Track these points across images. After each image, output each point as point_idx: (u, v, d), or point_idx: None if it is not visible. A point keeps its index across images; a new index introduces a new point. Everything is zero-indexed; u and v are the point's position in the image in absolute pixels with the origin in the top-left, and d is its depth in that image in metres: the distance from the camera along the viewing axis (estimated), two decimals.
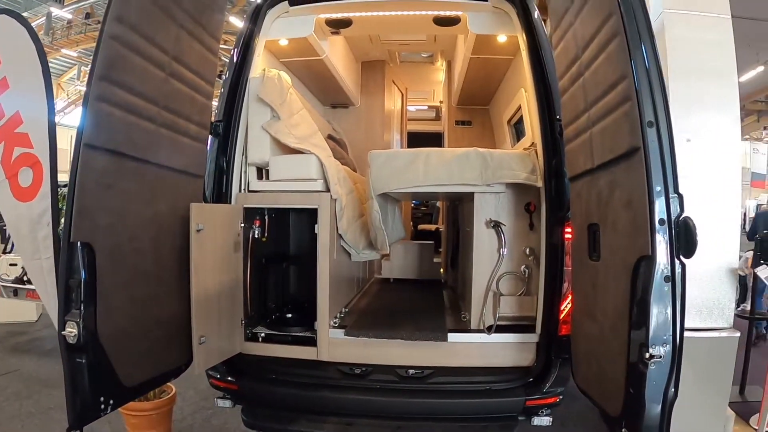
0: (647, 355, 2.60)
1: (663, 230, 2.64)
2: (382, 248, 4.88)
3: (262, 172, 4.63)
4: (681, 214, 2.67)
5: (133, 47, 3.14)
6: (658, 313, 2.65)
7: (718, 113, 3.87)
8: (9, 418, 5.71)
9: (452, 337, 4.27)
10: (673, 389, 2.67)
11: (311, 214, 4.39)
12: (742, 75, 21.06)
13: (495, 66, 6.17)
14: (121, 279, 3.16)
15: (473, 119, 8.30)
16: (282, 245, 5.19)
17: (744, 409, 5.62)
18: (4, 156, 3.91)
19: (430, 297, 6.01)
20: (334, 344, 4.31)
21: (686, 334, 3.52)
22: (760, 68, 20.54)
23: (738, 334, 4.00)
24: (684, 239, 2.65)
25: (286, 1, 4.76)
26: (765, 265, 5.10)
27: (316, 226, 4.31)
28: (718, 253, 3.86)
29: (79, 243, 2.87)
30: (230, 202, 4.38)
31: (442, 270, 7.42)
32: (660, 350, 2.61)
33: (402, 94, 9.39)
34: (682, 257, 2.66)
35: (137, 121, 3.23)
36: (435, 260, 7.41)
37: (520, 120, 5.77)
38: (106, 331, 3.01)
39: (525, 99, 5.14)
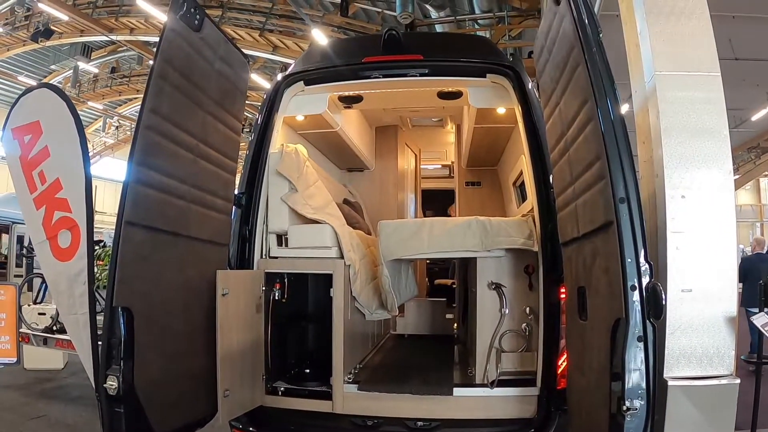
0: (624, 407, 2.87)
1: (634, 295, 2.94)
2: (392, 310, 5.27)
3: (281, 239, 5.03)
4: (650, 281, 2.97)
5: (165, 134, 3.59)
6: (633, 369, 2.92)
7: (710, 168, 4.01)
8: None
9: (457, 391, 4.53)
10: None
11: (327, 278, 4.73)
12: (753, 114, 21.33)
13: (498, 134, 6.56)
14: (155, 338, 3.54)
15: (483, 180, 8.63)
16: (301, 306, 5.49)
17: None
18: (45, 218, 4.14)
19: (441, 352, 6.27)
20: (348, 398, 4.58)
21: (686, 383, 3.86)
22: None
23: (738, 381, 4.04)
24: (653, 303, 2.95)
25: (302, 81, 5.20)
26: (763, 313, 5.30)
27: (331, 289, 4.66)
28: (716, 302, 3.95)
29: (120, 308, 3.28)
30: (252, 268, 4.77)
31: (455, 325, 7.61)
32: (636, 403, 2.88)
33: (415, 155, 9.72)
34: (651, 319, 2.96)
35: (169, 199, 3.66)
36: (448, 316, 7.67)
37: (524, 183, 6.08)
38: (141, 384, 3.37)
39: (525, 165, 5.38)
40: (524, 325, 4.70)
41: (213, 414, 4.06)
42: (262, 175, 4.91)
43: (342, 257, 4.79)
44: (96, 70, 31.45)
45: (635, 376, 2.93)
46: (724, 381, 4.01)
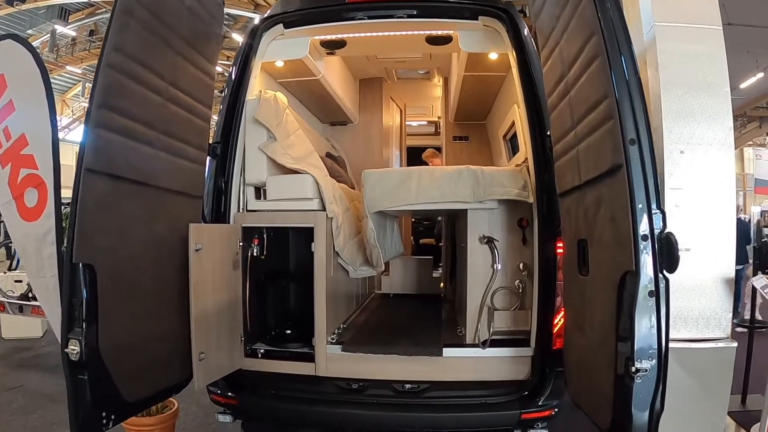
0: (633, 369, 2.64)
1: (646, 246, 2.69)
2: (378, 265, 4.99)
3: (260, 191, 4.73)
4: (664, 230, 2.73)
5: (130, 75, 3.24)
6: (643, 328, 2.69)
7: (711, 124, 3.86)
8: (15, 430, 5.81)
9: (447, 351, 4.33)
10: (659, 403, 2.73)
11: (308, 233, 4.47)
12: (742, 82, 21.13)
13: (489, 83, 6.26)
14: (121, 298, 3.25)
15: (470, 134, 8.37)
16: (280, 263, 5.24)
17: (745, 419, 5.70)
18: (11, 177, 3.97)
19: (428, 312, 6.05)
20: (332, 360, 4.37)
21: (683, 345, 3.70)
22: (760, 75, 20.49)
23: (735, 344, 3.97)
24: (667, 254, 2.71)
25: (281, 24, 4.85)
26: (763, 276, 5.10)
27: (313, 244, 4.40)
28: (714, 263, 3.83)
29: (81, 264, 2.97)
30: (229, 222, 4.47)
31: (441, 284, 7.46)
32: (646, 364, 2.65)
33: (401, 110, 9.44)
34: (665, 272, 2.72)
35: (136, 145, 3.33)
36: (434, 275, 7.47)
37: (515, 135, 5.87)
38: (107, 348, 3.09)
39: (518, 115, 5.18)
40: (517, 281, 4.50)
41: (188, 379, 3.81)
42: (239, 124, 4.59)
43: (324, 209, 4.50)
44: (74, 34, 30.44)
45: (646, 335, 2.70)
46: (721, 344, 3.90)
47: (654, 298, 2.70)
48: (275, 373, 4.44)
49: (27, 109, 3.93)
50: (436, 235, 9.83)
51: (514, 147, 6.29)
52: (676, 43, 3.93)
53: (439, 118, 9.58)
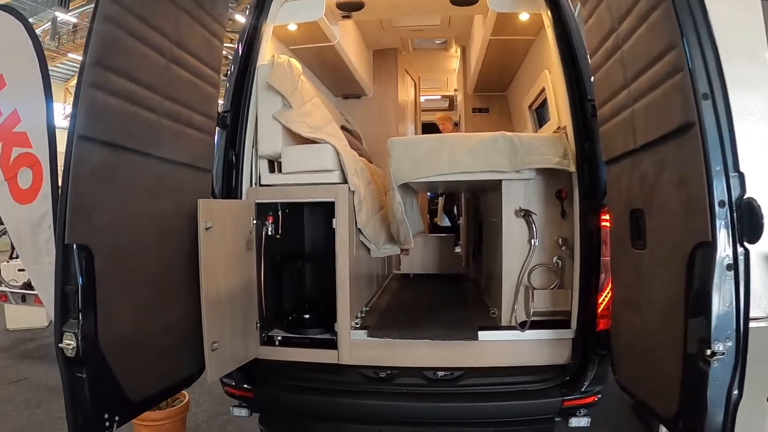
0: (709, 352, 2.31)
1: (723, 213, 2.34)
2: (406, 242, 4.58)
3: (274, 164, 4.36)
4: (743, 195, 2.36)
5: (129, 30, 2.85)
6: (720, 306, 2.35)
7: (748, 91, 3.51)
8: (18, 427, 5.52)
9: (482, 335, 4.00)
10: (737, 390, 2.41)
11: (328, 208, 4.12)
12: None
13: (515, 48, 5.83)
14: (123, 283, 2.89)
15: (491, 106, 7.92)
16: (297, 242, 4.92)
17: None
18: (3, 157, 3.73)
19: (454, 292, 5.75)
20: (356, 346, 4.05)
21: None
22: None
23: None
24: (748, 222, 2.34)
25: None
26: None
27: (334, 220, 4.03)
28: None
29: (75, 245, 2.60)
30: (241, 198, 4.11)
31: (463, 263, 7.11)
32: (723, 346, 2.33)
33: (415, 84, 9.04)
34: (745, 243, 2.36)
35: (136, 110, 2.95)
36: (456, 252, 7.13)
37: (543, 104, 5.47)
38: (108, 341, 2.73)
39: (549, 80, 4.82)
40: (556, 258, 4.15)
41: (200, 370, 3.50)
42: (250, 91, 4.22)
43: (345, 182, 4.13)
44: (75, 20, 29.92)
45: (723, 314, 2.35)
46: (762, 323, 3.51)
47: (732, 272, 2.34)
48: (294, 362, 4.11)
49: (19, 83, 3.69)
50: (448, 212, 9.49)
51: (540, 117, 5.89)
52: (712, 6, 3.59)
53: (455, 90, 9.19)
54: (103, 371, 2.72)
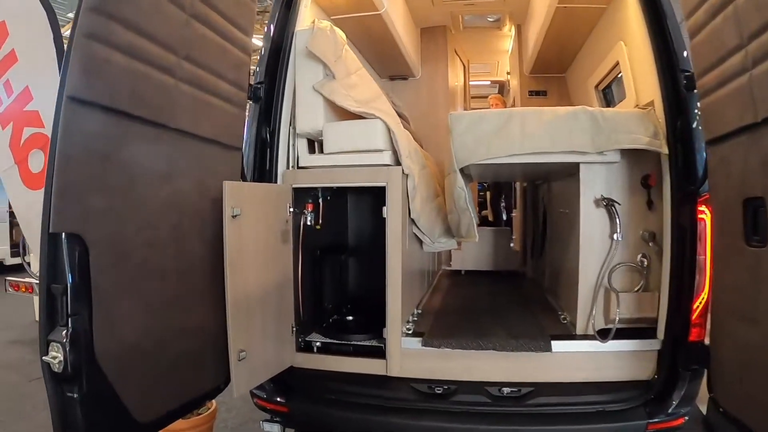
0: None
1: None
2: (468, 234, 3.92)
3: (313, 144, 3.81)
4: None
5: None
6: None
7: None
8: (36, 426, 5.15)
9: (556, 345, 3.42)
10: None
11: (377, 195, 3.55)
12: None
13: (581, 20, 5.21)
14: (127, 281, 2.35)
15: (548, 89, 7.32)
16: (339, 234, 4.44)
17: None
18: (13, 138, 3.47)
19: (513, 293, 5.17)
20: (408, 356, 3.49)
21: None
22: None
23: None
24: None
25: None
26: None
27: (385, 208, 3.45)
28: None
29: (63, 235, 2.06)
30: (275, 181, 3.56)
31: (519, 260, 6.53)
32: None
33: (464, 67, 8.45)
34: None
35: (147, 70, 2.40)
36: (512, 247, 6.52)
37: (614, 82, 4.98)
38: (107, 353, 2.21)
39: (625, 53, 4.24)
40: (640, 256, 3.54)
41: (226, 382, 3.00)
42: (287, 60, 3.67)
43: (398, 164, 3.54)
44: None
45: None
46: None
47: None
48: (335, 372, 3.57)
49: (31, 58, 3.43)
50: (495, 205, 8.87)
51: (608, 99, 5.35)
52: None
53: (508, 74, 8.58)
54: (100, 389, 2.21)
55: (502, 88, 9.79)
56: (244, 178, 3.34)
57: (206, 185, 2.80)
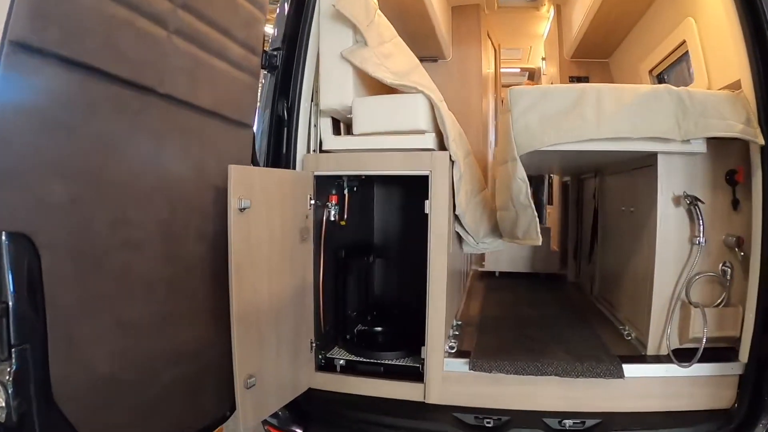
0: None
1: None
2: (528, 236, 3.12)
3: (339, 125, 3.20)
4: None
5: None
6: None
7: None
8: None
9: (627, 369, 2.81)
10: None
11: (415, 186, 2.94)
12: None
13: None
14: (98, 295, 1.76)
15: (591, 75, 6.69)
16: (365, 231, 3.85)
17: None
18: None
19: (560, 301, 4.54)
20: (451, 380, 2.90)
21: None
22: None
23: None
24: None
25: None
26: None
27: (427, 202, 2.83)
28: None
29: (3, 235, 1.47)
30: (293, 167, 2.97)
31: (559, 262, 5.90)
32: None
33: (495, 51, 7.80)
34: None
35: (130, 15, 1.81)
36: (553, 248, 5.91)
37: (675, 65, 4.42)
38: (71, 392, 1.64)
39: (695, 31, 3.68)
40: (722, 264, 2.94)
41: (232, 409, 2.40)
42: (310, 23, 3.05)
43: (444, 149, 2.92)
44: None
45: None
46: None
47: None
48: (361, 396, 2.97)
49: None
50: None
51: (663, 82, 4.69)
52: None
53: (543, 59, 7.97)
54: None
55: (532, 76, 9.27)
56: (255, 164, 2.76)
57: (206, 170, 2.23)
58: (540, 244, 2.89)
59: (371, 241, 3.94)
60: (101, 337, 1.76)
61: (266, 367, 2.44)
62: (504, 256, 5.61)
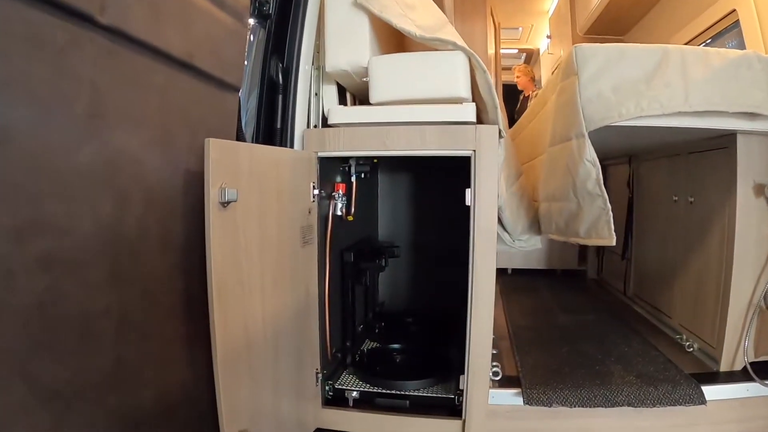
0: None
1: None
2: (597, 234, 2.34)
3: (346, 94, 2.53)
4: None
5: None
6: None
7: None
8: None
9: (705, 391, 2.28)
10: None
11: (447, 170, 2.36)
12: None
13: None
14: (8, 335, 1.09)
15: None
16: (373, 227, 3.25)
17: None
18: None
19: (591, 302, 3.95)
20: (497, 414, 2.28)
21: None
22: None
23: None
24: None
25: None
26: None
27: (469, 191, 2.15)
28: None
29: None
30: (290, 145, 2.29)
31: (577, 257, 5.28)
32: None
33: (495, 30, 7.20)
34: None
35: None
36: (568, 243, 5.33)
37: (716, 38, 3.99)
38: None
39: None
40: None
41: None
42: None
43: (491, 121, 2.26)
44: None
45: None
46: None
47: None
48: None
49: None
50: None
51: None
52: None
53: (549, 36, 7.44)
54: None
55: (529, 58, 8.84)
56: (241, 138, 2.09)
57: (172, 145, 1.57)
58: (614, 243, 2.22)
59: (377, 239, 3.31)
60: (9, 416, 1.10)
61: (262, 415, 1.79)
62: (517, 251, 5.02)
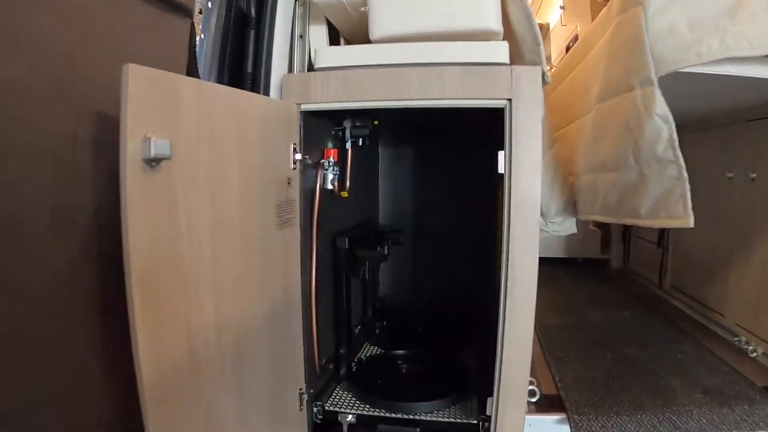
0: None
1: None
2: (670, 213, 1.76)
3: (339, 38, 2.02)
4: None
5: None
6: None
7: None
8: None
9: None
10: None
11: (472, 127, 1.95)
12: None
13: None
14: None
15: None
16: (373, 205, 2.79)
17: None
18: None
19: (629, 299, 3.45)
20: None
21: None
22: None
23: None
24: None
25: None
26: None
27: (502, 155, 1.61)
28: None
29: None
30: (264, 92, 1.75)
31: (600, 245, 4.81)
32: None
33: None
34: None
35: None
36: (592, 227, 4.84)
37: None
38: None
39: None
40: None
41: None
42: None
43: (531, 62, 1.76)
44: None
45: None
46: None
47: None
48: None
49: None
50: None
51: None
52: None
53: (562, 7, 6.91)
54: None
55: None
56: (191, 73, 1.56)
57: (89, 81, 1.05)
58: (692, 224, 1.69)
59: (378, 223, 2.83)
60: None
61: None
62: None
